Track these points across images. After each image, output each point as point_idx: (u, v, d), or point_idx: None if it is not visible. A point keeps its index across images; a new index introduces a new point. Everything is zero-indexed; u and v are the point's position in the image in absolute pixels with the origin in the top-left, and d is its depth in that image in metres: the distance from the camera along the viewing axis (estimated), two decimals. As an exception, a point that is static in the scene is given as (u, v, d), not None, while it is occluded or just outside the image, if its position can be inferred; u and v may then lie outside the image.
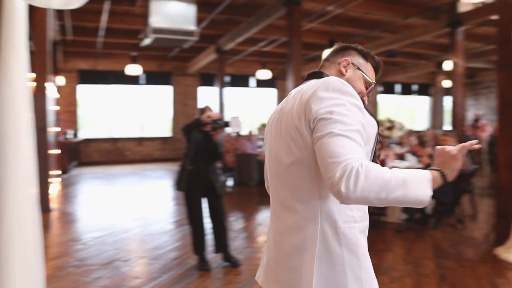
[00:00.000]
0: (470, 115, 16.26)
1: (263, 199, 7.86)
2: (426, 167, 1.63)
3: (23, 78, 2.57)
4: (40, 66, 6.52)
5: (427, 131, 9.83)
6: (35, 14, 6.27)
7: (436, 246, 4.89)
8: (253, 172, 9.29)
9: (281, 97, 16.51)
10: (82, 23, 9.69)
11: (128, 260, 4.41)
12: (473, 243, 5.04)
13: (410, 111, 19.44)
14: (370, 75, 1.48)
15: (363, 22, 10.21)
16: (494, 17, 6.95)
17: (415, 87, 18.89)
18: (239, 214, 6.71)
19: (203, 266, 4.12)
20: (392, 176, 1.10)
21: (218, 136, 4.08)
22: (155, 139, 15.18)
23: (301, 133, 1.25)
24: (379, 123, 1.38)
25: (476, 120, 11.53)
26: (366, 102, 1.44)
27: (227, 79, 14.07)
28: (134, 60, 12.12)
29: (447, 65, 11.30)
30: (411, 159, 6.59)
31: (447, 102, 14.96)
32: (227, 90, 13.72)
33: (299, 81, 7.59)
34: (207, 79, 15.27)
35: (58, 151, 9.50)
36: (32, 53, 5.76)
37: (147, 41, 7.81)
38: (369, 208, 1.38)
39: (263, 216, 6.73)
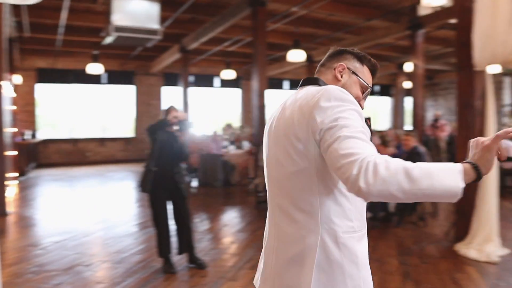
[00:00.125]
0: (429, 115, 16.80)
1: (228, 200, 7.80)
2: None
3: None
4: (-5, 63, 6.25)
5: (389, 131, 10.04)
6: (-10, 9, 6.03)
7: (399, 243, 5.01)
8: (218, 172, 9.19)
9: (245, 97, 16.53)
10: (41, 19, 9.37)
11: (90, 264, 4.28)
12: (435, 239, 5.18)
13: (372, 112, 19.87)
14: (367, 79, 1.48)
15: (327, 24, 10.36)
16: (453, 20, 7.20)
17: (376, 88, 19.33)
18: (204, 215, 6.63)
19: (168, 268, 4.06)
20: (416, 167, 1.07)
21: (185, 136, 4.03)
22: (117, 140, 14.84)
23: (304, 144, 1.25)
24: (372, 132, 1.38)
25: (436, 120, 11.91)
26: (363, 106, 1.45)
27: (191, 78, 14.01)
28: (95, 59, 11.78)
29: (408, 67, 11.64)
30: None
31: (408, 102, 15.40)
32: (191, 90, 13.65)
33: (264, 81, 7.62)
34: (171, 79, 15.08)
35: (15, 153, 9.14)
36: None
37: (109, 40, 7.62)
38: None
39: (229, 217, 6.69)
